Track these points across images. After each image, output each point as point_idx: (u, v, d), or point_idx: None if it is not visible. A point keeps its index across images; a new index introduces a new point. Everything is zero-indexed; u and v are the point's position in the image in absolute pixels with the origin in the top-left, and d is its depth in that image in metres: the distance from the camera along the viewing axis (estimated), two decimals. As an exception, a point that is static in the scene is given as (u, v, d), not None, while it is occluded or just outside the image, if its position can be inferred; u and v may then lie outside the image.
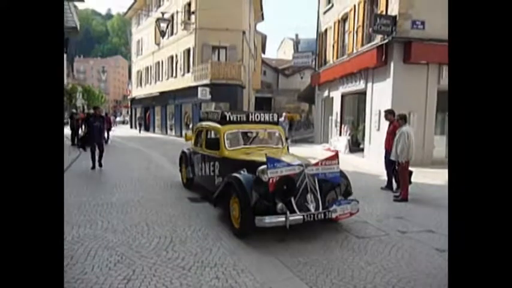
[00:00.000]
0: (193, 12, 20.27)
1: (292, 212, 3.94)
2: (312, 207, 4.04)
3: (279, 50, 54.98)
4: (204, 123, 6.33)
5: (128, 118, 41.99)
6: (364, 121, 12.68)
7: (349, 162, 10.47)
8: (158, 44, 25.44)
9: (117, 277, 3.12)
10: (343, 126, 14.66)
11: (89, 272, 3.21)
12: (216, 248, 3.87)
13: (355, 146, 13.70)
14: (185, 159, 6.93)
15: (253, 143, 5.91)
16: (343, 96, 14.78)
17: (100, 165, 9.11)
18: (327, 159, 4.31)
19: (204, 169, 5.91)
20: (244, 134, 6.02)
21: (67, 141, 15.59)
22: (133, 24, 32.71)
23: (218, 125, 5.62)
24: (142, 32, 29.15)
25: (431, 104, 10.48)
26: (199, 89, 18.19)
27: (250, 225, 3.93)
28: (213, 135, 6.11)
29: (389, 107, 10.57)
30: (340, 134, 14.68)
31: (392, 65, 10.57)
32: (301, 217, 3.92)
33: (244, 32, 20.74)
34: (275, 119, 5.94)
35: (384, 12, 11.00)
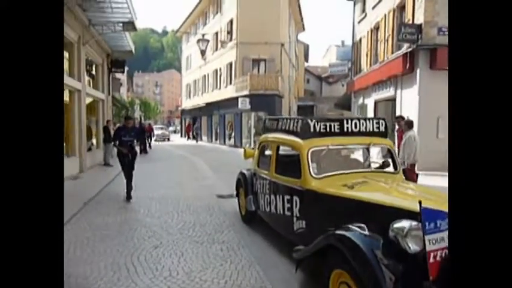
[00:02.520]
0: (228, 32, 21.76)
1: None
2: None
3: (324, 58, 55.12)
4: (273, 136, 4.43)
5: (179, 128, 44.78)
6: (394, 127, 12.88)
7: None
8: (204, 59, 27.40)
9: (149, 245, 4.20)
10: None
11: (129, 241, 4.33)
12: (227, 230, 4.80)
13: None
14: (244, 185, 5.13)
15: (351, 166, 3.89)
16: (376, 103, 15.04)
17: (129, 196, 6.68)
18: None
19: (275, 204, 4.07)
20: (338, 152, 4.01)
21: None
22: (183, 41, 35.43)
23: (297, 139, 3.76)
24: (191, 49, 31.47)
25: (460, 109, 10.47)
26: (239, 99, 19.47)
27: None
28: (287, 154, 4.25)
29: (417, 113, 10.81)
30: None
31: (418, 71, 10.81)
32: None
33: (283, 44, 21.73)
34: (382, 127, 3.98)
35: (411, 21, 11.29)
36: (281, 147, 4.27)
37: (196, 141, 27.95)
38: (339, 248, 2.43)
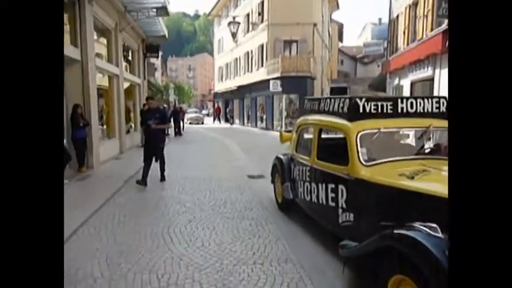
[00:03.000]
0: (259, 14, 21.52)
1: None
2: None
3: (359, 37, 53.05)
4: (314, 118, 4.06)
5: (211, 111, 45.57)
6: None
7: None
8: (236, 42, 27.44)
9: (183, 219, 4.54)
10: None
11: (165, 215, 4.70)
12: (256, 208, 5.04)
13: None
14: (281, 171, 4.82)
15: (405, 152, 3.37)
16: (412, 83, 14.48)
17: (162, 177, 6.75)
18: None
19: (317, 193, 3.71)
20: (390, 135, 3.48)
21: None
22: (215, 24, 35.57)
23: (344, 121, 3.37)
24: (223, 32, 31.56)
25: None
26: (271, 82, 19.48)
27: None
28: (331, 137, 4.13)
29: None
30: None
31: (459, 49, 10.25)
32: None
33: (315, 24, 21.25)
34: (443, 107, 3.40)
35: (452, -5, 10.64)
36: (324, 131, 3.91)
37: (231, 123, 28.16)
38: (400, 250, 2.12)
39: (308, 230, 4.09)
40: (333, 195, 3.37)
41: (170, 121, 13.49)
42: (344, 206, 3.20)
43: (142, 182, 6.24)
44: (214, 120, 32.18)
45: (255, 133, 20.35)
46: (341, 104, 3.51)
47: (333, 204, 3.37)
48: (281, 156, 5.05)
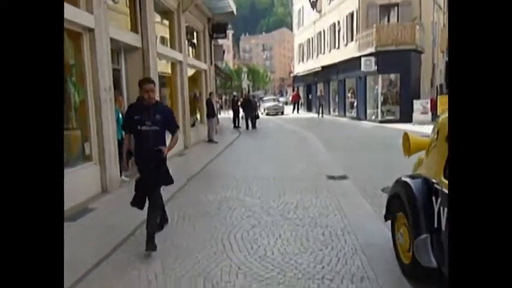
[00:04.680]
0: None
1: None
2: None
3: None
4: None
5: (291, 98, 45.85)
6: None
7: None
8: (319, 12, 27.16)
9: (246, 224, 4.84)
10: None
11: (228, 219, 5.06)
12: (333, 214, 5.10)
13: None
14: (411, 209, 3.26)
15: None
16: None
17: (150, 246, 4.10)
18: None
19: None
20: None
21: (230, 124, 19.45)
22: (294, -7, 35.71)
23: None
24: (303, 0, 31.49)
25: None
26: (362, 59, 18.94)
27: None
28: None
29: None
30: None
31: None
32: None
33: (422, -19, 19.95)
34: None
35: None
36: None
37: (320, 114, 25.28)
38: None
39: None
40: None
41: (215, 115, 13.51)
42: None
43: (150, 245, 3.98)
44: (293, 110, 31.81)
45: (343, 124, 20.03)
46: None
47: None
48: (409, 181, 3.38)
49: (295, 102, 31.95)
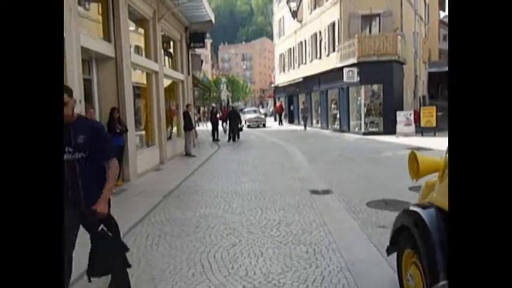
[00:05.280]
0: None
1: None
2: None
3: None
4: None
5: (272, 109, 45.92)
6: None
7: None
8: (300, 22, 27.63)
9: (226, 242, 4.80)
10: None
11: (207, 237, 5.00)
12: (317, 231, 5.11)
13: None
14: (424, 246, 2.78)
15: None
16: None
17: None
18: None
19: None
20: None
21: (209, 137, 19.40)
22: (274, 2, 36.24)
23: None
24: (284, 10, 32.01)
25: None
26: (344, 70, 19.27)
27: None
28: None
29: None
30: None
31: None
32: None
33: (403, -9, 20.58)
34: None
35: None
36: None
37: (305, 127, 25.47)
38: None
39: (381, 258, 4.05)
40: None
41: (192, 128, 13.58)
42: None
43: None
44: (276, 120, 32.03)
45: (326, 136, 20.24)
46: None
47: None
48: (420, 212, 2.92)
49: (279, 113, 32.38)
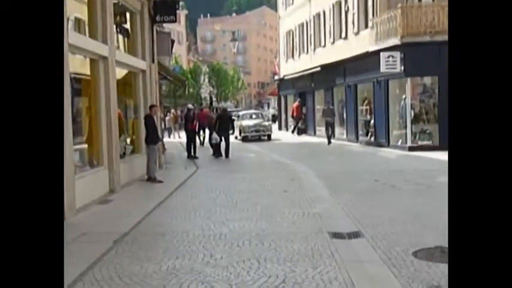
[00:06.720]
0: None
1: None
2: None
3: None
4: None
5: (273, 112, 45.62)
6: None
7: None
8: (317, -15, 27.87)
9: (205, 311, 4.79)
10: None
11: (177, 304, 4.99)
12: (340, 294, 5.12)
13: None
14: None
15: None
16: None
17: None
18: None
19: None
20: None
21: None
22: (279, -44, 36.65)
23: None
24: (293, -33, 32.28)
25: None
26: (381, 55, 19.38)
27: None
28: None
29: None
30: None
31: None
32: None
33: None
34: None
35: None
36: None
37: (329, 140, 24.44)
38: None
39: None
40: None
41: (158, 140, 14.06)
42: None
43: None
44: (293, 130, 31.96)
45: (354, 153, 20.28)
46: None
47: None
48: None
49: (297, 119, 32.06)
